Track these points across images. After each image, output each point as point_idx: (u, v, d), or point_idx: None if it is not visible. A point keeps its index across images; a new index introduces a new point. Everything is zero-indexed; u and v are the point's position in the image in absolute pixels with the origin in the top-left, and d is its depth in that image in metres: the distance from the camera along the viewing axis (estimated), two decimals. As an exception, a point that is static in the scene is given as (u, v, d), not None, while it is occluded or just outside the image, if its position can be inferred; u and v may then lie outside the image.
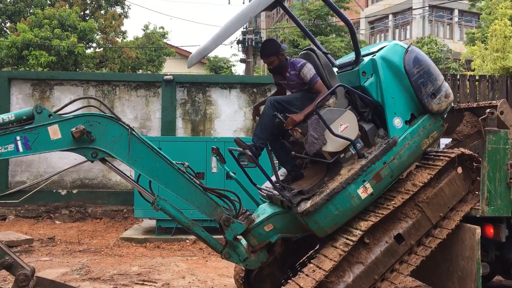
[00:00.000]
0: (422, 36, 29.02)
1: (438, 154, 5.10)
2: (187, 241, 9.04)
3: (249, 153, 4.67)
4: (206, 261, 7.79)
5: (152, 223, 9.94)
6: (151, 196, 4.73)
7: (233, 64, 34.43)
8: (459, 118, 5.43)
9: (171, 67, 23.72)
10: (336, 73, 5.15)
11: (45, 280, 4.61)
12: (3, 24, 19.94)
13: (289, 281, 4.72)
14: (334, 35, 29.22)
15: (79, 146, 4.36)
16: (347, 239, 4.64)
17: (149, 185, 4.82)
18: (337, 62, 5.50)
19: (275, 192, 4.94)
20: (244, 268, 5.52)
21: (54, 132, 4.28)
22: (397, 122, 4.85)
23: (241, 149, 4.85)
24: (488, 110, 5.02)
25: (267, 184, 5.47)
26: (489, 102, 5.48)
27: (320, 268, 4.55)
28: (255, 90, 11.56)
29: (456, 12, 34.44)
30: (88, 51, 18.90)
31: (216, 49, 4.45)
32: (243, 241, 5.00)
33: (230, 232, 4.75)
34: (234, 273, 5.86)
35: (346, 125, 4.69)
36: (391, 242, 4.69)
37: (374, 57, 4.93)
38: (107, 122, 4.43)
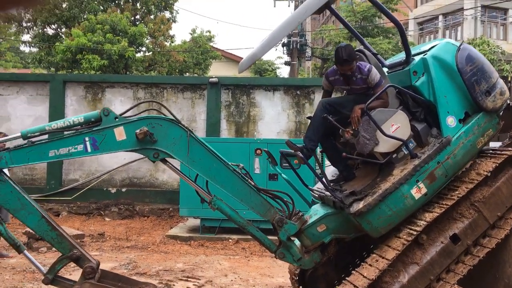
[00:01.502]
0: (474, 37, 28.14)
1: (496, 151, 5.00)
2: (230, 240, 9.22)
3: (301, 155, 4.76)
4: (248, 260, 7.92)
5: (196, 222, 10.19)
6: (208, 196, 4.90)
7: (277, 67, 34.63)
8: None
9: (217, 70, 24.14)
10: (386, 73, 5.17)
11: (109, 273, 4.89)
12: (59, 29, 20.92)
13: (352, 271, 4.74)
14: (381, 37, 28.82)
15: (142, 147, 4.57)
16: (410, 229, 4.63)
17: (206, 185, 5.00)
18: (387, 62, 5.49)
19: (327, 193, 5.01)
20: (297, 272, 5.61)
21: (120, 133, 4.51)
22: (451, 121, 4.80)
23: (292, 151, 4.96)
24: (533, 117, 4.90)
25: (318, 185, 5.55)
26: None
27: (383, 258, 4.57)
28: (298, 92, 11.64)
29: (510, 12, 33.14)
30: (138, 55, 19.53)
31: (266, 54, 4.58)
32: (297, 242, 5.08)
33: (284, 232, 4.85)
34: (288, 272, 5.96)
35: (398, 125, 4.68)
36: (446, 242, 4.64)
37: (425, 56, 4.90)
38: (168, 125, 4.63)
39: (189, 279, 6.61)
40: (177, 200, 10.09)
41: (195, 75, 21.69)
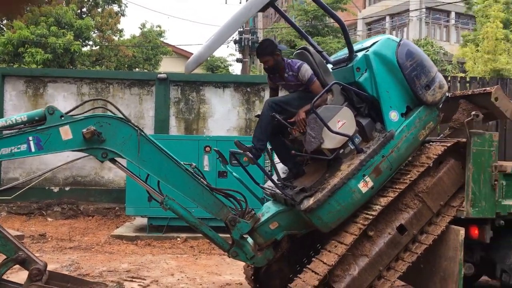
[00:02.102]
0: (419, 38, 29.08)
1: (437, 144, 5.14)
2: (178, 239, 9.07)
3: (250, 155, 4.74)
4: (196, 259, 7.83)
5: (143, 221, 9.97)
6: (160, 196, 4.81)
7: (230, 64, 34.52)
8: (455, 106, 5.46)
9: (168, 66, 23.77)
10: (331, 70, 5.21)
11: (58, 275, 4.76)
12: (-1, 21, 19.95)
13: (313, 259, 4.81)
14: (331, 36, 29.28)
15: (89, 146, 4.47)
16: (367, 214, 4.71)
17: (158, 185, 4.91)
18: (331, 58, 5.55)
19: (278, 190, 5.00)
20: (252, 266, 5.60)
21: (66, 132, 4.39)
22: (393, 115, 4.90)
23: (241, 151, 4.93)
24: (473, 113, 5.07)
25: (269, 183, 5.55)
26: (483, 89, 5.49)
27: (341, 243, 4.64)
28: (248, 89, 11.60)
29: (453, 15, 34.54)
30: (85, 49, 18.91)
31: (212, 54, 4.52)
32: (250, 240, 5.07)
33: (237, 231, 4.84)
34: (243, 271, 5.95)
35: (344, 121, 4.73)
36: (394, 233, 4.76)
37: (367, 52, 4.98)
38: (117, 123, 4.53)
39: (134, 280, 6.44)
40: (123, 199, 9.82)
41: (145, 70, 21.26)
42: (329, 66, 5.34)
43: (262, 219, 5.05)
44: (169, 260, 7.66)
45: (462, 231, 4.71)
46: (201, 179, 5.01)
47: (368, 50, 5.01)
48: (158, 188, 4.98)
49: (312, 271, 4.59)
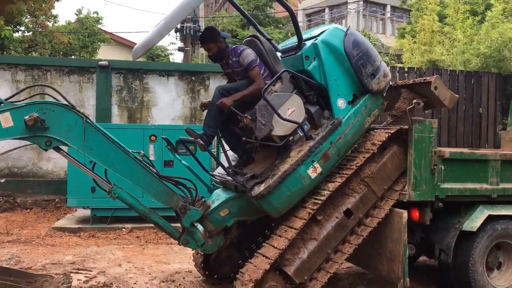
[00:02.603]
0: (357, 30, 29.85)
1: (381, 131, 5.35)
2: (123, 229, 8.90)
3: (201, 142, 4.74)
4: (143, 249, 7.72)
5: (86, 212, 9.68)
6: (107, 185, 4.70)
7: (170, 53, 33.94)
8: (397, 95, 5.70)
9: (106, 54, 22.98)
10: (280, 58, 5.28)
11: None
12: None
13: (263, 244, 4.88)
14: (272, 27, 29.49)
15: (32, 134, 4.31)
16: (315, 199, 4.84)
17: (105, 173, 4.80)
18: (280, 46, 5.62)
19: (229, 177, 5.03)
20: (202, 254, 5.61)
21: (6, 120, 4.21)
22: (341, 103, 5.05)
23: (192, 138, 4.92)
24: (414, 101, 5.32)
25: (219, 170, 5.57)
26: (423, 78, 5.75)
27: (291, 228, 4.73)
28: (193, 78, 11.50)
29: (388, 8, 35.77)
30: (16, 34, 17.92)
31: (161, 40, 4.46)
32: (200, 227, 5.08)
33: (187, 219, 4.84)
34: (193, 259, 5.95)
35: (293, 108, 4.82)
36: (341, 217, 4.92)
37: (316, 41, 5.08)
38: (61, 110, 4.40)
39: (79, 271, 6.27)
40: (64, 190, 9.48)
41: (82, 58, 20.47)
42: (278, 54, 5.42)
43: (213, 206, 5.09)
44: (115, 251, 7.51)
45: (405, 213, 4.96)
46: (150, 167, 4.96)
47: (316, 39, 5.12)
48: (106, 177, 4.88)
49: (263, 256, 4.69)
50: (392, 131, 5.17)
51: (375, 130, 5.37)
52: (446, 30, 13.02)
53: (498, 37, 11.58)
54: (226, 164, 5.10)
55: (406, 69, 10.91)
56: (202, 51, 32.55)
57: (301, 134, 4.94)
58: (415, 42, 13.24)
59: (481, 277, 5.18)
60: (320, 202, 4.77)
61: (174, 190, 4.98)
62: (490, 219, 5.27)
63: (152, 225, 8.70)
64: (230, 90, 4.95)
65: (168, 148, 5.56)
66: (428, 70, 11.02)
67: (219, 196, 5.26)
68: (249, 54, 4.95)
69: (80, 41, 20.56)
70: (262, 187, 4.70)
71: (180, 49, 25.33)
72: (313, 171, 4.84)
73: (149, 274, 6.26)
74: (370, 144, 5.13)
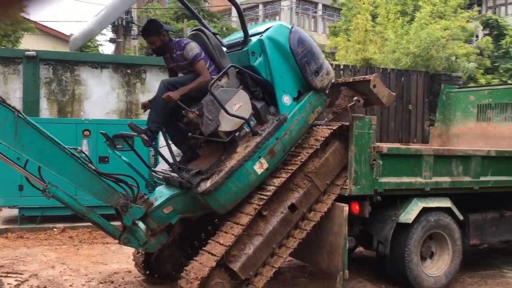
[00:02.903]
0: (290, 27, 30.27)
1: (323, 127, 5.45)
2: (55, 230, 8.47)
3: (145, 137, 4.59)
4: (78, 249, 7.39)
5: (13, 212, 9.11)
6: (41, 183, 4.44)
7: (100, 44, 32.69)
8: (337, 92, 5.83)
9: (29, 44, 21.74)
10: (226, 53, 5.23)
11: None
12: None
13: (209, 241, 4.79)
14: (206, 21, 29.20)
15: None
16: (261, 194, 4.82)
17: (39, 171, 4.53)
18: (225, 41, 5.56)
19: (173, 174, 4.91)
20: (143, 253, 5.45)
21: None
22: (286, 99, 5.09)
23: (135, 133, 4.77)
24: (355, 98, 5.49)
25: (162, 167, 5.44)
26: (363, 77, 5.94)
27: (237, 224, 4.69)
28: (129, 71, 11.13)
29: (320, 6, 36.59)
30: None
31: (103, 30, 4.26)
32: (142, 225, 4.91)
33: (129, 217, 4.69)
34: (133, 258, 5.76)
35: (240, 104, 4.80)
36: (286, 212, 4.96)
37: (261, 37, 5.08)
38: None
39: (9, 275, 5.89)
40: (-13, 189, 8.86)
41: (3, 47, 19.22)
42: (224, 49, 5.36)
43: (156, 203, 4.97)
44: (47, 252, 7.13)
45: (346, 207, 5.10)
46: (89, 164, 4.76)
47: (262, 35, 5.12)
48: (39, 175, 4.63)
49: (209, 253, 4.64)
50: (334, 128, 5.29)
51: (318, 127, 5.47)
52: (378, 30, 13.53)
53: (427, 37, 12.19)
54: (170, 160, 4.99)
55: (341, 67, 11.21)
56: (134, 43, 31.68)
57: (247, 130, 4.93)
58: (349, 40, 13.66)
59: (416, 267, 5.44)
60: (266, 197, 4.79)
61: (115, 188, 4.81)
62: (424, 211, 5.55)
63: (86, 224, 8.47)
64: (175, 84, 4.84)
65: (107, 144, 5.35)
66: (362, 68, 11.39)
67: (162, 193, 5.14)
68: (194, 48, 4.86)
69: (0, 29, 19.27)
70: (208, 184, 4.63)
71: (111, 40, 24.52)
72: (260, 166, 4.85)
73: (86, 275, 6.00)
74: (314, 140, 5.22)
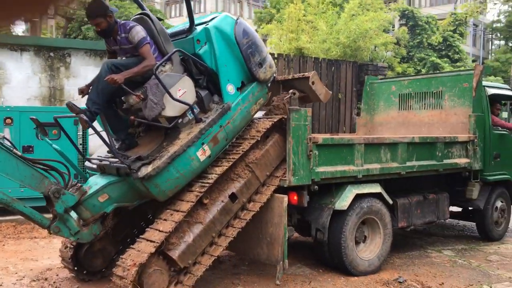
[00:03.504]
0: (216, 11, 30.12)
1: (264, 119, 5.56)
2: (-25, 224, 7.93)
3: (84, 117, 4.42)
4: (3, 245, 6.98)
5: None
6: None
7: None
8: (276, 89, 5.92)
9: None
10: (170, 40, 5.16)
11: None
12: None
13: (147, 228, 4.68)
14: (128, 0, 28.19)
15: None
16: (202, 182, 4.79)
17: None
18: (169, 31, 5.48)
19: (112, 160, 4.77)
20: (71, 246, 5.24)
21: None
22: (230, 88, 5.14)
23: (74, 113, 4.59)
24: (290, 91, 5.64)
25: (97, 155, 5.27)
26: (302, 74, 6.10)
27: (177, 211, 4.63)
28: (52, 54, 10.51)
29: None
30: None
31: None
32: (73, 215, 4.72)
33: (61, 204, 4.48)
34: (60, 253, 5.48)
35: (184, 90, 4.78)
36: (226, 201, 4.99)
37: (208, 26, 5.09)
38: None
39: None
40: None
41: None
42: None
43: (90, 191, 4.80)
44: (-32, 249, 6.68)
45: (285, 198, 5.23)
46: (14, 150, 4.49)
47: (208, 24, 5.13)
48: None
49: (147, 240, 4.55)
50: (275, 120, 5.40)
51: (259, 119, 5.56)
52: (309, 19, 13.81)
53: (356, 29, 12.64)
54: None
55: (276, 56, 11.35)
56: (51, 22, 29.90)
57: (190, 117, 4.93)
58: (282, 29, 13.83)
59: (351, 252, 5.72)
60: (208, 185, 4.80)
61: (44, 174, 4.59)
62: (357, 197, 5.82)
63: (9, 217, 8.01)
64: (119, 67, 4.72)
65: (37, 130, 5.10)
66: (295, 57, 11.60)
67: (96, 181, 4.97)
68: (140, 31, 4.78)
69: None
70: (149, 168, 4.56)
71: (26, 20, 22.97)
72: (202, 153, 4.86)
73: (16, 273, 5.70)
74: (255, 131, 5.30)
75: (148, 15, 5.07)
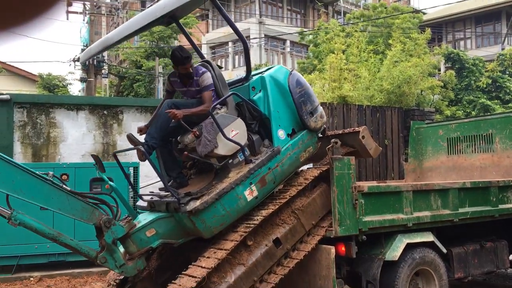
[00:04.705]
0: (260, 63, 30.91)
1: (312, 168, 5.63)
2: (31, 279, 8.17)
3: (142, 149, 4.65)
4: (58, 299, 7.15)
5: (-14, 261, 8.76)
6: (6, 211, 4.31)
7: (69, 83, 32.50)
8: (326, 145, 5.96)
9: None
10: (228, 86, 5.50)
11: None
12: None
13: (190, 266, 4.69)
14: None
15: None
16: (248, 223, 4.83)
17: (7, 199, 4.39)
18: (227, 81, 5.81)
19: (162, 194, 5.01)
20: (114, 284, 5.31)
21: None
22: (281, 133, 5.31)
23: (133, 145, 4.90)
24: (332, 140, 5.65)
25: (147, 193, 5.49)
26: (352, 128, 6.16)
27: (221, 249, 4.65)
28: (105, 112, 11.06)
29: (288, 43, 37.48)
30: None
31: (120, 43, 4.34)
32: (121, 249, 4.84)
33: (110, 234, 4.61)
34: (107, 281, 5.56)
35: (237, 131, 4.99)
36: (270, 245, 4.97)
37: (263, 75, 5.39)
38: None
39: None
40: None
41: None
42: None
43: (138, 226, 4.92)
44: (25, 303, 6.87)
45: (333, 249, 5.14)
46: (64, 186, 4.68)
47: (263, 73, 5.43)
48: (7, 203, 4.45)
49: (189, 276, 4.56)
50: (324, 169, 5.41)
51: (307, 169, 5.64)
52: (351, 67, 13.97)
53: (399, 75, 12.64)
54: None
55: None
56: (105, 81, 31.57)
57: (241, 158, 5.08)
58: (324, 78, 14.03)
59: (405, 305, 5.48)
60: (253, 226, 4.83)
61: (94, 207, 4.75)
62: (409, 247, 5.63)
63: (63, 271, 8.24)
64: (178, 106, 5.03)
65: (96, 167, 5.37)
66: (339, 105, 11.68)
67: (145, 217, 5.12)
68: (209, 78, 5.14)
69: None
70: (198, 203, 4.68)
71: (82, 80, 24.35)
72: (250, 193, 4.94)
73: (69, 327, 5.80)
74: (303, 179, 5.38)
75: (209, 62, 5.47)
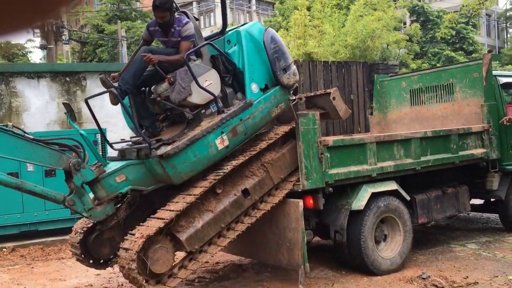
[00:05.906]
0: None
1: (283, 125, 5.74)
2: (4, 249, 8.13)
3: (115, 91, 4.70)
4: (32, 268, 7.16)
5: (-45, 235, 8.67)
6: None
7: (29, 51, 31.42)
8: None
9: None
10: (203, 37, 5.57)
11: None
12: None
13: (157, 210, 4.81)
14: (139, 21, 28.73)
15: None
16: (217, 172, 4.95)
17: None
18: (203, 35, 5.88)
19: (133, 140, 5.14)
20: (81, 232, 5.34)
21: None
22: (254, 87, 5.39)
23: (106, 88, 4.88)
24: (296, 97, 5.77)
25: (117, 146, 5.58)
26: (324, 90, 6.26)
27: (190, 195, 4.76)
28: (68, 79, 10.79)
29: (253, 1, 36.92)
30: None
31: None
32: (91, 195, 4.87)
33: (79, 177, 4.63)
34: (69, 239, 5.51)
35: (211, 81, 5.05)
36: (238, 195, 5.11)
37: (239, 29, 5.45)
38: None
39: (-38, 303, 5.66)
40: None
41: None
42: None
43: (108, 171, 4.95)
44: (-1, 274, 6.88)
45: (301, 202, 5.28)
46: (26, 135, 4.65)
47: (239, 28, 5.49)
48: None
49: (157, 218, 4.65)
50: (294, 126, 5.49)
51: (277, 126, 5.75)
52: (315, 24, 13.90)
53: (363, 29, 12.66)
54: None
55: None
56: (66, 48, 30.63)
57: (213, 110, 5.13)
58: (290, 35, 13.94)
59: (372, 252, 5.72)
60: (222, 174, 4.93)
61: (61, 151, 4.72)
62: (374, 196, 5.82)
63: (37, 241, 8.23)
64: (155, 53, 5.03)
65: (67, 115, 5.36)
66: (304, 62, 11.67)
67: (115, 164, 5.14)
68: (192, 28, 5.13)
69: None
70: (169, 148, 4.75)
71: (42, 47, 23.58)
72: (221, 142, 5.03)
73: (45, 294, 5.86)
74: (273, 134, 5.53)
75: (186, 13, 5.46)
